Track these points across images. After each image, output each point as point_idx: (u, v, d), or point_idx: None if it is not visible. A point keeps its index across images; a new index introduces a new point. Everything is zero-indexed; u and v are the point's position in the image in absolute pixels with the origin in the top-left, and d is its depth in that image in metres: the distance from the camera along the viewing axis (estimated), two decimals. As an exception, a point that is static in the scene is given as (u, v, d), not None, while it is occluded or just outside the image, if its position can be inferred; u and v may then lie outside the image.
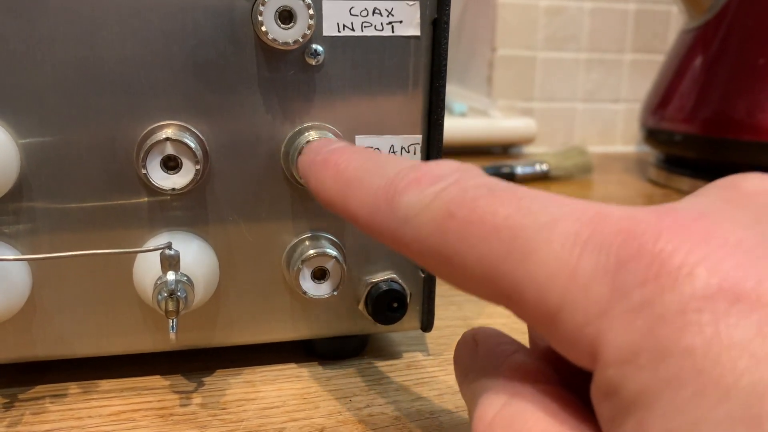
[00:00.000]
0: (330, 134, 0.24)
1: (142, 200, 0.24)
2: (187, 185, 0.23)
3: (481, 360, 0.18)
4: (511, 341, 0.18)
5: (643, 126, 0.70)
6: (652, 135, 0.68)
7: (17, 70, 0.22)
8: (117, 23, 0.22)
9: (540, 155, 0.73)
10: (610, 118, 0.90)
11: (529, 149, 0.84)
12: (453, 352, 0.20)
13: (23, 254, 0.23)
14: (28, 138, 0.23)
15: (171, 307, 0.22)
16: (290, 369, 0.27)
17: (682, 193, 0.64)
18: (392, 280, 0.26)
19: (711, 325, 0.11)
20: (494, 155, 0.80)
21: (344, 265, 0.25)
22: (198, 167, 0.23)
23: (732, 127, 0.61)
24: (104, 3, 0.22)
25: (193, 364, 0.27)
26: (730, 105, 0.61)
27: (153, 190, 0.24)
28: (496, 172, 0.64)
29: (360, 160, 0.19)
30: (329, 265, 0.25)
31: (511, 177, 0.64)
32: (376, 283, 0.26)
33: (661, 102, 0.68)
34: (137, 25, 0.22)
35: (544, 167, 0.66)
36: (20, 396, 0.24)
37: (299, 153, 0.23)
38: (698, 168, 0.64)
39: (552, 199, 0.14)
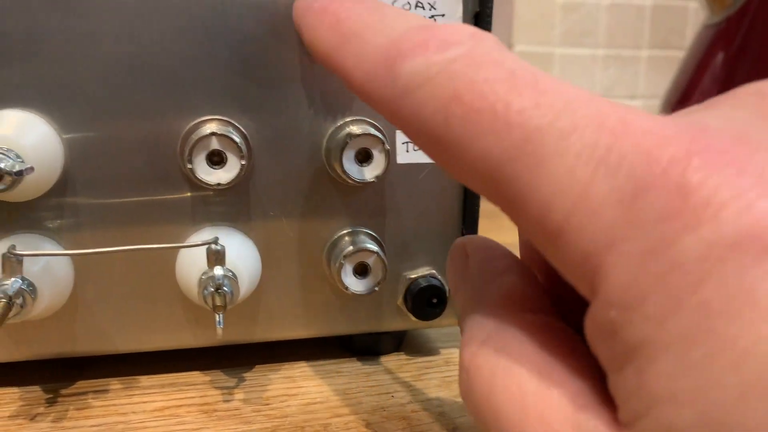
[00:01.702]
0: (371, 128, 0.24)
1: (185, 195, 0.24)
2: (232, 180, 0.23)
3: (470, 276, 0.17)
4: (503, 255, 0.17)
5: (663, 122, 0.69)
6: (672, 131, 0.68)
7: (62, 65, 0.22)
8: (162, 18, 0.22)
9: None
10: (627, 114, 0.90)
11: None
12: None
13: (66, 249, 0.23)
14: (72, 133, 0.23)
15: (219, 302, 0.21)
16: (329, 365, 0.27)
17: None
18: (431, 276, 0.26)
19: (734, 277, 0.10)
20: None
21: (385, 260, 0.25)
22: (243, 162, 0.23)
23: (754, 123, 0.60)
24: (149, -3, 0.22)
25: (232, 359, 0.27)
26: (753, 101, 0.60)
27: (196, 185, 0.24)
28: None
29: (363, 10, 0.16)
30: (371, 260, 0.25)
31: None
32: (416, 279, 0.26)
33: (681, 98, 0.67)
34: (182, 20, 0.22)
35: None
36: (63, 391, 0.24)
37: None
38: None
39: (577, 95, 0.12)
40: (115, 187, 0.23)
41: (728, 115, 0.13)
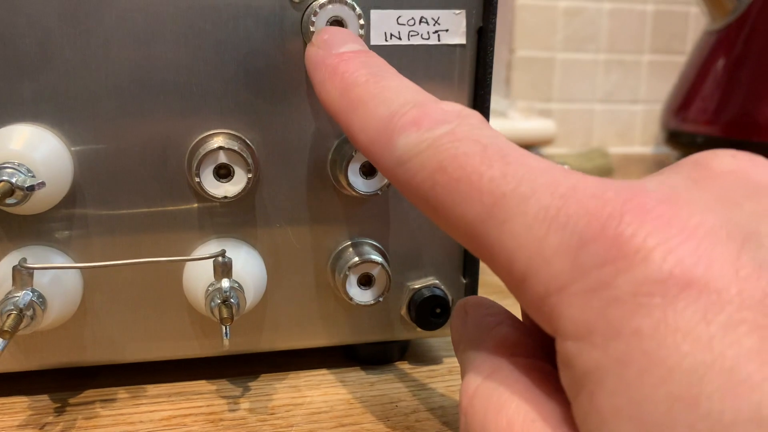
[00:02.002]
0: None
1: (192, 207, 0.24)
2: (239, 193, 0.23)
3: (469, 331, 0.19)
4: (498, 312, 0.19)
5: (665, 127, 0.70)
6: (673, 137, 0.68)
7: (72, 79, 0.22)
8: (171, 32, 0.23)
9: (561, 157, 0.73)
10: (628, 119, 0.90)
11: (548, 150, 0.84)
12: None
13: (75, 260, 0.24)
14: (81, 146, 0.23)
15: (225, 313, 0.22)
16: (333, 374, 0.27)
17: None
18: (435, 286, 0.27)
19: (659, 308, 0.12)
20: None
21: (389, 271, 0.25)
22: (250, 175, 0.23)
23: (755, 130, 0.60)
24: (158, 12, 0.22)
25: (238, 368, 0.27)
26: (753, 107, 0.61)
27: (203, 197, 0.24)
28: (518, 174, 0.65)
29: (368, 77, 0.19)
30: (375, 271, 0.25)
31: (533, 179, 0.65)
32: (419, 289, 0.27)
33: (683, 103, 0.68)
34: (190, 34, 0.23)
35: (565, 168, 0.66)
36: (70, 400, 0.25)
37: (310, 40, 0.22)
38: (721, 170, 0.64)
39: (537, 166, 0.15)
40: (124, 199, 0.24)
41: (666, 180, 0.15)
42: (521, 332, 0.18)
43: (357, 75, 0.20)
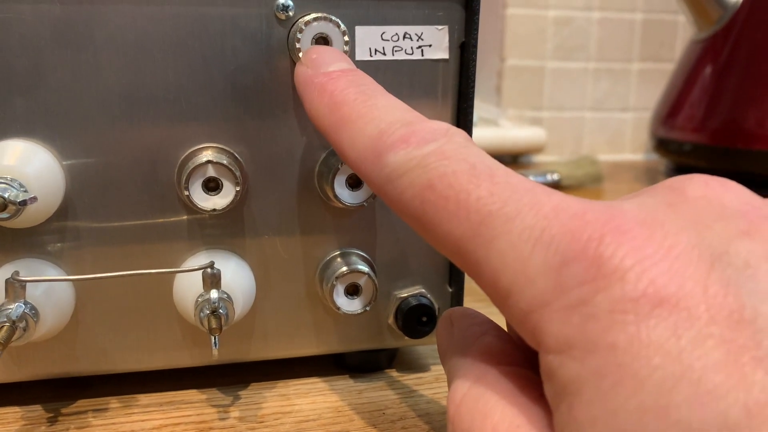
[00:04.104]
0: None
1: (181, 219, 0.25)
2: (227, 206, 0.24)
3: (455, 341, 0.20)
4: (482, 322, 0.20)
5: (653, 135, 0.71)
6: (662, 144, 0.69)
7: (64, 96, 0.23)
8: (160, 51, 0.23)
9: (551, 165, 0.73)
10: (618, 126, 0.91)
11: (538, 158, 0.84)
12: None
13: (67, 272, 0.24)
14: (72, 159, 0.24)
15: (214, 324, 0.22)
16: (322, 382, 0.28)
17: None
18: (421, 295, 0.27)
19: (633, 324, 0.13)
20: (504, 164, 0.81)
21: (376, 281, 0.26)
22: (238, 188, 0.24)
23: (742, 137, 0.61)
24: (147, 31, 0.23)
25: (228, 377, 0.28)
26: (740, 115, 0.62)
27: (192, 210, 0.24)
28: (509, 182, 0.65)
29: (357, 95, 0.20)
30: (362, 281, 0.26)
31: (523, 187, 0.65)
32: (406, 298, 0.27)
33: (670, 111, 0.69)
34: (179, 52, 0.23)
35: (555, 177, 0.67)
36: (63, 410, 0.25)
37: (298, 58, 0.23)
38: (708, 177, 0.65)
39: (522, 186, 0.16)
40: (114, 211, 0.24)
41: (642, 202, 0.16)
42: (506, 342, 0.18)
43: (345, 93, 0.20)
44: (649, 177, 0.77)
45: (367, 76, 0.21)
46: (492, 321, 0.20)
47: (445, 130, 0.18)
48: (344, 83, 0.21)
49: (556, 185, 0.67)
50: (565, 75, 0.87)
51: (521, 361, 0.17)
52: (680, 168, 0.69)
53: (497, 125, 0.82)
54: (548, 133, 0.84)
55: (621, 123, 0.91)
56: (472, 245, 0.16)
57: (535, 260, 0.14)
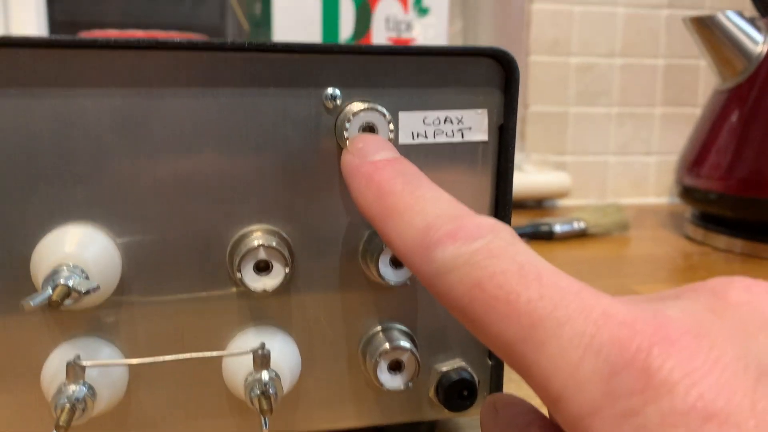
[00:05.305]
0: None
1: (231, 296, 0.26)
2: (277, 286, 0.25)
3: (500, 428, 0.20)
4: (528, 411, 0.20)
5: (679, 182, 0.71)
6: (687, 192, 0.69)
7: (122, 180, 0.24)
8: (215, 139, 0.24)
9: (577, 211, 0.74)
10: (642, 170, 0.91)
11: (563, 202, 0.85)
12: None
13: (121, 348, 0.25)
14: (128, 238, 0.25)
15: (265, 405, 0.23)
16: (363, 453, 0.28)
17: (719, 251, 0.65)
18: (462, 369, 0.28)
19: None
20: (528, 209, 0.82)
21: (418, 357, 0.26)
22: (287, 270, 0.25)
23: (767, 187, 0.61)
24: (203, 120, 0.24)
25: (272, 448, 0.28)
26: (765, 165, 0.62)
27: (242, 287, 0.25)
28: (536, 231, 0.66)
29: (403, 186, 0.21)
30: (404, 357, 0.26)
31: (549, 236, 0.66)
32: (447, 372, 0.28)
33: (696, 160, 0.69)
34: (234, 140, 0.24)
35: (582, 225, 0.67)
36: (114, 482, 0.26)
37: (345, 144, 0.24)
38: (735, 226, 0.65)
39: (569, 288, 0.16)
40: (167, 288, 0.25)
41: (686, 308, 0.16)
42: None
43: (392, 183, 0.21)
44: (674, 223, 0.77)
45: (412, 165, 0.22)
46: (538, 410, 0.20)
47: (491, 225, 0.18)
48: (391, 173, 0.21)
49: (582, 233, 0.68)
50: (588, 120, 0.88)
51: None
52: (706, 216, 0.69)
53: (521, 170, 0.83)
54: (572, 177, 0.84)
55: (644, 167, 0.91)
56: (523, 348, 0.16)
57: (585, 367, 0.15)
